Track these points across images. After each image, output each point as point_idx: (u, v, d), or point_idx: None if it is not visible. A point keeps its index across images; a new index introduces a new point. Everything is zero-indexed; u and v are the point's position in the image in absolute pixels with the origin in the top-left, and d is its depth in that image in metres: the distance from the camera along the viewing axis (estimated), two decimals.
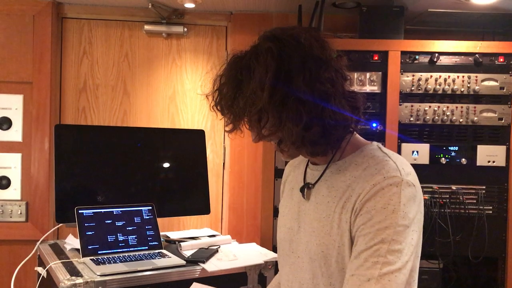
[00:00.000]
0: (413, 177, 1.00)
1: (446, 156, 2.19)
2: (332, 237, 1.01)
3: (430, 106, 2.22)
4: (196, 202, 2.18)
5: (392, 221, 0.94)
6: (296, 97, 0.96)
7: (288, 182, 1.25)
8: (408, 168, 1.02)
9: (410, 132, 2.22)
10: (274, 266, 1.83)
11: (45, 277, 1.71)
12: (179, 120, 2.68)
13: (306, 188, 1.12)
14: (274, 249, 2.05)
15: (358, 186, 1.00)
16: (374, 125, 2.21)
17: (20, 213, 2.43)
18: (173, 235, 2.10)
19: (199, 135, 2.22)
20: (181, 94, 2.68)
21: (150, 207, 1.93)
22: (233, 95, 0.99)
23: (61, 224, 1.95)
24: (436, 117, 2.21)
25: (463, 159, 2.19)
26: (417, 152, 2.19)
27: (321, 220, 1.05)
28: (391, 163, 1.01)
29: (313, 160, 1.14)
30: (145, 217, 1.90)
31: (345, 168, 1.06)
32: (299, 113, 0.96)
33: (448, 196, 2.16)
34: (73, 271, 1.57)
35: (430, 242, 2.05)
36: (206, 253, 1.83)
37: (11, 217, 2.43)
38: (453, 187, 2.17)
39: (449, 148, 2.20)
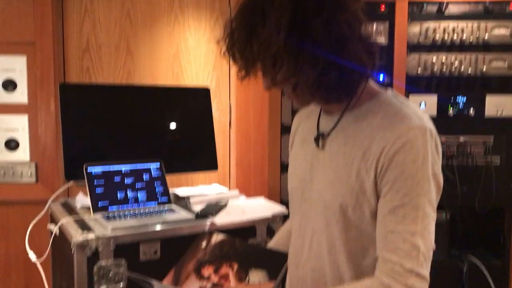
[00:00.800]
0: (431, 123, 1.00)
1: (454, 107, 2.17)
2: (349, 186, 1.01)
3: (438, 57, 2.18)
4: (203, 158, 2.19)
5: (424, 173, 0.94)
6: (313, 40, 0.94)
7: (298, 133, 1.24)
8: (425, 115, 1.01)
9: (417, 84, 2.19)
10: (282, 219, 1.85)
11: (58, 234, 1.74)
12: (184, 79, 2.65)
13: (320, 138, 1.11)
14: (282, 204, 2.07)
15: (379, 136, 0.98)
16: (381, 77, 2.19)
17: (30, 175, 2.45)
18: (182, 191, 2.12)
19: (204, 92, 2.21)
20: (185, 52, 2.65)
21: (158, 164, 1.94)
22: (246, 40, 0.96)
23: (71, 183, 1.97)
24: (444, 68, 2.18)
25: (471, 110, 2.17)
26: (425, 103, 2.17)
27: (337, 169, 1.04)
28: (410, 111, 1.00)
29: (326, 109, 1.12)
30: (154, 174, 1.92)
31: (361, 117, 1.04)
32: (316, 57, 0.94)
33: (455, 147, 2.15)
34: (85, 227, 1.60)
35: (436, 212, 2.04)
36: (215, 208, 1.85)
37: (21, 178, 2.46)
38: (461, 138, 2.16)
39: (457, 99, 2.17)
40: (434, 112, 2.16)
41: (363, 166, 1.00)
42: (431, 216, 0.96)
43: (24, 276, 2.51)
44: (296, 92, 1.03)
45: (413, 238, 0.93)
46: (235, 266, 1.27)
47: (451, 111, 2.15)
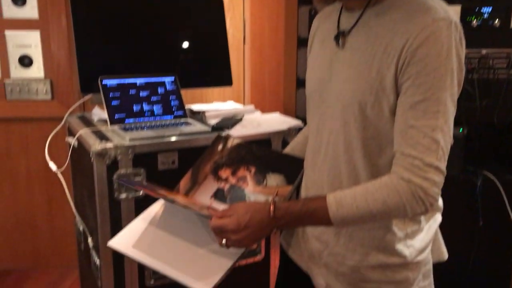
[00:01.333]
0: (457, 18, 0.96)
1: (478, 18, 2.07)
2: (369, 82, 0.99)
3: None
4: (217, 73, 2.16)
5: (448, 67, 0.92)
6: None
7: (318, 34, 1.21)
8: (450, 10, 0.97)
9: None
10: (297, 133, 1.85)
11: (76, 146, 1.76)
12: None
13: (340, 36, 1.08)
14: (297, 119, 2.06)
15: (401, 29, 0.96)
16: None
17: (46, 91, 2.46)
18: (197, 107, 2.12)
19: (218, 3, 2.14)
20: None
21: (173, 78, 1.92)
22: None
23: (86, 98, 1.98)
24: None
25: (497, 21, 2.07)
26: None
27: (357, 67, 1.02)
28: (435, 3, 0.96)
29: (348, 5, 1.09)
30: (169, 87, 1.90)
31: (384, 12, 1.01)
32: None
33: (477, 60, 2.09)
34: (103, 137, 1.62)
35: (456, 107, 2.02)
36: (230, 121, 1.85)
37: (37, 95, 2.47)
38: (483, 51, 2.08)
39: (482, 9, 2.07)
40: (458, 19, 2.07)
41: (384, 61, 0.98)
42: (451, 111, 0.95)
43: (46, 188, 2.59)
44: None
45: (434, 133, 0.93)
46: (253, 169, 1.28)
47: (474, 22, 2.06)
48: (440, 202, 1.16)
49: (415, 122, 0.94)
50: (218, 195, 1.27)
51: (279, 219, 1.02)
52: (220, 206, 1.22)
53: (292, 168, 1.28)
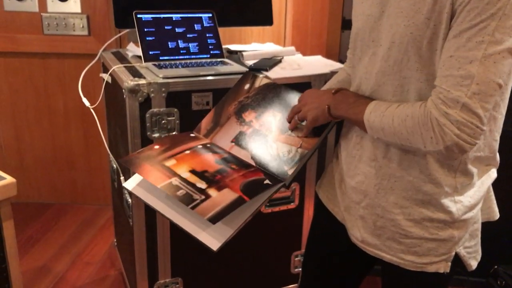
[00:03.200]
0: None
1: None
2: (425, 15, 0.88)
3: None
4: (257, 11, 2.04)
5: None
6: None
7: None
8: None
9: None
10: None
11: (110, 82, 1.72)
12: None
13: None
14: (341, 63, 1.94)
15: None
16: None
17: (82, 27, 2.41)
18: (235, 47, 2.02)
19: None
20: None
21: (211, 14, 1.82)
22: None
23: (122, 33, 1.92)
24: None
25: None
26: None
27: None
28: None
29: None
30: (206, 24, 1.81)
31: None
32: None
33: None
34: (136, 74, 1.56)
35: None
36: (269, 63, 1.75)
37: (74, 30, 2.42)
38: None
39: None
40: None
41: None
42: (505, 45, 0.81)
43: (82, 126, 2.60)
44: None
45: (470, 65, 0.82)
46: (279, 115, 1.20)
47: None
48: (497, 156, 1.05)
49: (454, 52, 0.84)
50: (239, 139, 1.19)
51: (334, 98, 1.06)
52: (241, 152, 1.16)
53: None
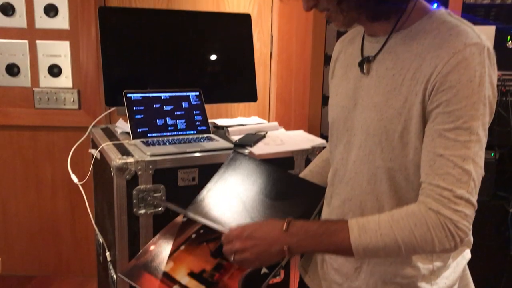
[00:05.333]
0: (489, 42, 0.91)
1: None
2: (397, 110, 0.94)
3: None
4: (243, 89, 2.14)
5: (480, 94, 0.87)
6: None
7: (341, 60, 1.16)
8: (482, 34, 0.92)
9: (475, 13, 2.03)
10: (321, 152, 1.81)
11: (98, 158, 1.77)
12: (224, 7, 2.56)
13: (365, 62, 1.03)
14: (322, 137, 2.02)
15: (431, 54, 0.90)
16: (435, 6, 2.03)
17: (73, 101, 2.49)
18: (221, 122, 2.10)
19: (245, 19, 2.13)
20: None
21: (198, 93, 1.91)
22: None
23: (112, 109, 1.99)
24: None
25: None
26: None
27: (384, 94, 0.97)
28: (466, 28, 0.91)
29: (371, 31, 1.04)
30: (193, 102, 1.89)
31: (411, 37, 0.95)
32: None
33: (511, 83, 2.01)
34: (124, 152, 1.61)
35: (488, 131, 1.94)
36: (253, 138, 1.82)
37: (64, 104, 2.50)
38: None
39: None
40: (491, 44, 2.00)
41: (412, 88, 0.92)
42: (483, 141, 0.89)
43: (69, 197, 2.62)
44: (341, 7, 0.94)
45: (464, 163, 0.87)
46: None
47: (510, 43, 1.99)
48: (470, 237, 1.09)
49: (444, 151, 0.88)
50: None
51: (292, 235, 0.96)
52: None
53: (313, 195, 1.23)
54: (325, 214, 1.18)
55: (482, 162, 0.90)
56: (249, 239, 0.98)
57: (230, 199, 1.26)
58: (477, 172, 0.88)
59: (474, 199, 0.89)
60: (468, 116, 0.87)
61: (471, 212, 0.88)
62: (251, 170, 1.34)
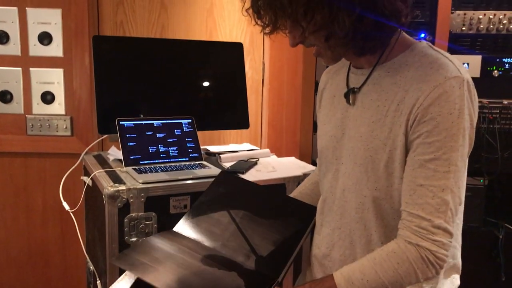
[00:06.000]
0: (469, 75, 0.95)
1: (500, 68, 2.05)
2: (382, 141, 0.97)
3: (485, 14, 2.06)
4: (235, 116, 2.16)
5: (460, 126, 0.90)
6: None
7: (327, 90, 1.19)
8: (463, 66, 0.96)
9: (461, 43, 2.08)
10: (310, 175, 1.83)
11: (90, 185, 1.77)
12: (217, 35, 2.61)
13: (351, 93, 1.06)
14: (313, 164, 2.04)
15: (413, 87, 0.94)
16: (423, 35, 2.08)
17: (66, 128, 2.50)
18: (213, 148, 2.12)
19: (237, 48, 2.17)
20: (219, 7, 2.59)
21: (190, 120, 1.93)
22: None
23: (104, 136, 2.00)
24: (491, 26, 2.05)
25: None
26: (468, 64, 2.06)
27: (369, 125, 1.00)
28: (447, 61, 0.95)
29: (357, 64, 1.08)
30: (185, 129, 1.91)
31: (394, 69, 0.99)
32: (352, 2, 0.88)
33: (498, 111, 2.05)
34: (117, 179, 1.62)
35: (476, 158, 1.98)
36: (245, 165, 1.84)
37: (57, 131, 2.50)
38: (505, 102, 2.05)
39: (503, 59, 2.05)
40: (477, 73, 2.05)
41: (396, 120, 0.96)
42: (462, 171, 0.93)
43: (60, 224, 2.60)
44: (329, 44, 0.97)
45: (443, 193, 0.90)
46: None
47: (495, 72, 2.04)
48: (459, 262, 1.11)
49: (424, 181, 0.92)
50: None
51: None
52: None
53: (305, 214, 1.24)
54: (315, 242, 1.18)
55: (460, 192, 0.93)
56: None
57: (220, 217, 1.27)
58: (455, 201, 0.92)
59: (451, 227, 0.92)
60: (447, 147, 0.90)
61: (448, 241, 0.92)
62: (240, 189, 1.36)
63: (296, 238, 1.19)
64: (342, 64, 1.16)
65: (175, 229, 1.29)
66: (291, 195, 1.39)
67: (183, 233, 1.27)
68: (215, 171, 1.74)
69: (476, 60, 2.06)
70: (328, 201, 1.12)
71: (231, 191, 1.35)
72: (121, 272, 1.55)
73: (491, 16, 2.04)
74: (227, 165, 1.86)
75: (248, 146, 2.24)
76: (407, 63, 0.98)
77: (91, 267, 1.86)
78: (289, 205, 1.31)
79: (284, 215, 1.26)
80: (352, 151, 1.04)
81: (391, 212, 1.00)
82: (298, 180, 1.80)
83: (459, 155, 0.91)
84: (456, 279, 1.12)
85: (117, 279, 1.53)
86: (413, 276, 0.92)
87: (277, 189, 1.76)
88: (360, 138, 1.02)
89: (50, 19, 2.43)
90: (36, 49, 2.43)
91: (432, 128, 0.90)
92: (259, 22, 0.98)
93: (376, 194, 1.00)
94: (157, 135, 1.84)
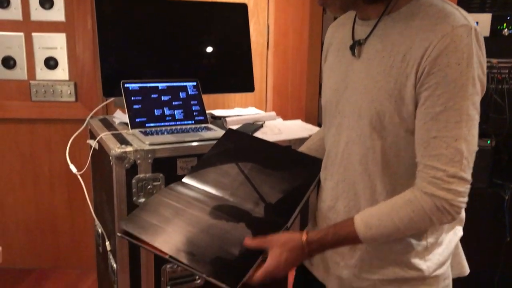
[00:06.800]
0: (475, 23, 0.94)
1: (510, 27, 2.01)
2: (387, 92, 0.97)
3: None
4: (240, 79, 2.14)
5: (469, 75, 0.89)
6: None
7: (332, 44, 1.19)
8: (469, 15, 0.94)
9: (469, 2, 2.03)
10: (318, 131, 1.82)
11: (97, 148, 1.77)
12: None
13: (356, 45, 1.05)
14: (319, 127, 2.03)
15: (419, 37, 0.93)
16: None
17: (70, 93, 2.49)
18: (218, 113, 2.10)
19: (241, 9, 2.13)
20: None
21: (195, 83, 1.91)
22: None
23: (108, 101, 1.98)
24: None
25: None
26: (477, 23, 2.01)
27: (374, 76, 1.00)
28: (453, 10, 0.93)
29: (364, 15, 1.06)
30: (190, 92, 1.90)
31: (400, 19, 0.98)
32: None
33: (507, 70, 2.02)
34: (123, 141, 1.61)
35: (484, 119, 1.95)
36: (251, 128, 1.83)
37: (61, 97, 2.49)
38: None
39: None
40: (487, 32, 2.01)
41: (403, 70, 0.95)
42: (475, 119, 0.93)
43: (67, 189, 2.62)
44: None
45: (456, 143, 0.91)
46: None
47: (505, 30, 2.00)
48: (462, 215, 1.12)
49: (437, 133, 0.92)
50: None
51: (312, 251, 1.04)
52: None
53: (309, 169, 1.26)
54: (320, 196, 1.19)
55: (475, 139, 0.93)
56: (285, 267, 1.03)
57: (229, 169, 1.29)
58: (470, 150, 0.92)
59: (467, 175, 0.93)
60: (457, 98, 0.90)
61: (465, 188, 0.93)
62: (248, 144, 1.39)
63: (304, 187, 1.21)
64: (348, 17, 1.15)
65: (184, 180, 1.30)
66: (299, 149, 1.40)
67: (192, 184, 1.28)
68: (221, 133, 1.72)
69: (485, 19, 2.02)
70: (331, 154, 1.13)
71: (239, 146, 1.37)
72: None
73: None
74: (233, 128, 1.85)
75: (253, 110, 2.23)
76: (413, 13, 0.97)
77: (99, 230, 1.88)
78: (297, 158, 1.33)
79: (292, 167, 1.28)
80: (356, 103, 1.03)
81: (396, 161, 1.01)
82: (304, 141, 1.79)
83: (470, 103, 0.91)
84: (459, 230, 1.14)
85: (125, 240, 1.55)
86: (428, 223, 0.95)
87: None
88: (364, 90, 1.01)
89: None
90: (38, 13, 2.40)
91: (440, 80, 0.90)
92: None
93: (381, 144, 1.00)
94: (162, 97, 1.83)
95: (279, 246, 1.03)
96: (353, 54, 1.06)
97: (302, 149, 1.38)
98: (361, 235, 0.99)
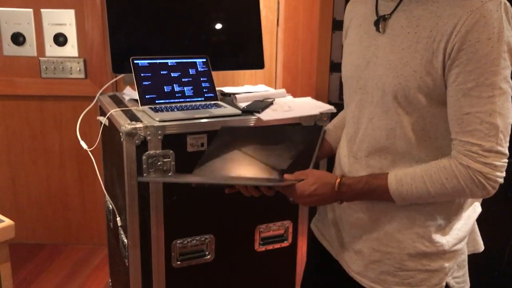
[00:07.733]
0: None
1: None
2: (413, 68, 0.96)
3: None
4: (249, 56, 2.12)
5: (500, 50, 0.89)
6: None
7: (354, 19, 1.17)
8: None
9: None
10: (329, 118, 1.81)
11: (107, 125, 1.77)
12: None
13: (381, 21, 1.04)
14: (330, 104, 2.01)
15: (447, 12, 0.91)
16: None
17: (79, 70, 2.48)
18: (228, 90, 2.09)
19: None
20: None
21: (205, 59, 1.90)
22: None
23: (118, 77, 1.98)
24: None
25: None
26: None
27: (399, 52, 0.99)
28: None
29: None
30: (200, 69, 1.88)
31: None
32: None
33: None
34: (133, 118, 1.61)
35: None
36: (261, 105, 1.82)
37: (71, 74, 2.49)
38: None
39: None
40: None
41: (429, 46, 0.94)
42: (508, 92, 0.92)
43: (78, 166, 2.64)
44: None
45: (491, 118, 0.91)
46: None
47: None
48: None
49: (470, 109, 0.92)
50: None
51: (342, 193, 1.07)
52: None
53: (309, 136, 1.33)
54: (339, 172, 1.19)
55: (509, 113, 0.93)
56: (307, 198, 1.09)
57: (233, 156, 1.32)
58: (505, 122, 0.92)
59: (504, 148, 0.93)
60: (489, 73, 0.89)
61: (502, 162, 0.93)
62: (243, 133, 1.44)
63: (309, 150, 1.26)
64: None
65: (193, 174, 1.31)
66: (325, 127, 1.41)
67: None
68: (231, 110, 1.73)
69: None
70: (350, 131, 1.12)
71: (236, 137, 1.41)
72: (140, 207, 1.58)
73: None
74: (242, 105, 1.84)
75: (263, 87, 2.21)
76: None
77: (110, 205, 1.89)
78: (293, 130, 1.40)
79: (291, 138, 1.33)
80: (380, 79, 1.02)
81: (422, 135, 1.01)
82: (314, 119, 1.78)
83: (502, 78, 0.90)
84: (477, 206, 1.15)
85: (136, 216, 1.57)
86: (461, 192, 0.96)
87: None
88: (389, 66, 1.00)
89: None
90: None
91: (471, 56, 0.89)
92: None
93: (409, 119, 1.00)
94: (172, 74, 1.82)
95: (314, 177, 1.09)
96: (378, 29, 1.05)
97: (329, 126, 1.39)
98: (392, 189, 1.01)
